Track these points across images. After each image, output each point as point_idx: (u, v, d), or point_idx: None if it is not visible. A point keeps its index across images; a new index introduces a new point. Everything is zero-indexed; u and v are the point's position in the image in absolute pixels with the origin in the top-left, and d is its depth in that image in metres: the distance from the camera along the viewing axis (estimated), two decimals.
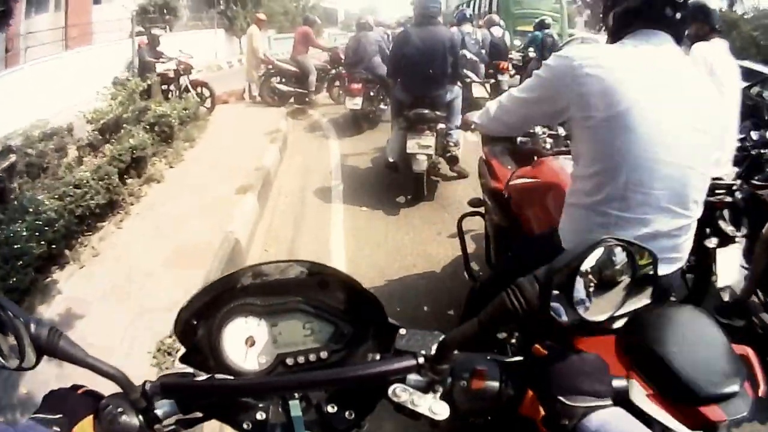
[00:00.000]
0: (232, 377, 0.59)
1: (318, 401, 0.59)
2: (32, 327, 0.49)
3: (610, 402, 0.48)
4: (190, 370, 0.60)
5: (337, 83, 7.45)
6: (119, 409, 0.52)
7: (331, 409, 0.58)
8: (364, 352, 0.62)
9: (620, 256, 0.48)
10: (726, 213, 1.98)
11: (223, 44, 15.37)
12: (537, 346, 0.53)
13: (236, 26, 15.65)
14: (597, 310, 0.48)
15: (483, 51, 6.15)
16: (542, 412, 0.48)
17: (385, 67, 4.76)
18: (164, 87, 6.72)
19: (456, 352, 0.52)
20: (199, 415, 0.57)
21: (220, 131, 5.82)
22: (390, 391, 0.52)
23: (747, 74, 3.69)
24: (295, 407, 0.57)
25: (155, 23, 15.70)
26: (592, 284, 0.47)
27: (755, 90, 4.84)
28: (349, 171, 4.64)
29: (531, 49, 7.54)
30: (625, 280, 0.48)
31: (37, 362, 0.50)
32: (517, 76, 7.29)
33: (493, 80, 5.95)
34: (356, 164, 4.83)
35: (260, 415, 0.58)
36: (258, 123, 5.92)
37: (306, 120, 6.90)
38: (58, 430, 0.49)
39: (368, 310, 0.61)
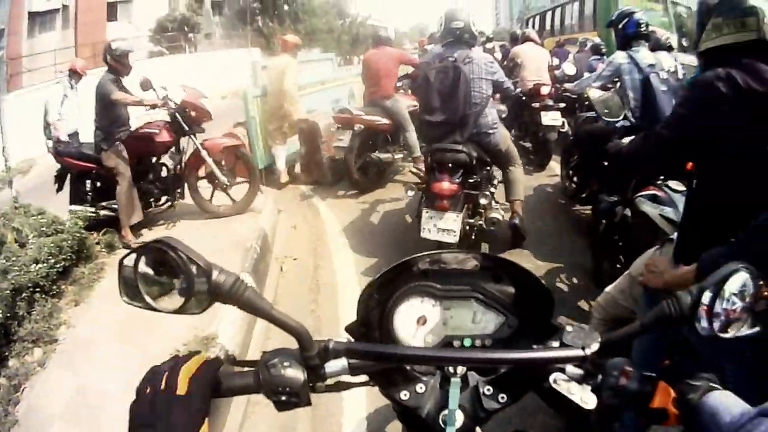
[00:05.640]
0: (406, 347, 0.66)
1: (476, 383, 0.63)
2: (214, 274, 0.50)
3: (720, 388, 0.55)
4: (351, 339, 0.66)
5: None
6: (286, 363, 0.54)
7: (487, 391, 0.62)
8: (524, 345, 0.65)
9: (750, 286, 0.54)
10: None
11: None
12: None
13: (273, 45, 14.43)
14: (727, 329, 0.54)
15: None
16: (673, 395, 0.55)
17: (502, 131, 3.12)
18: (154, 159, 3.62)
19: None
20: (360, 379, 0.62)
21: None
22: (552, 378, 0.56)
23: None
24: (455, 384, 0.60)
25: (175, 42, 14.89)
26: (729, 306, 0.53)
27: None
28: None
29: None
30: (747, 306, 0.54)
31: (207, 307, 0.51)
32: None
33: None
34: None
35: (420, 388, 0.63)
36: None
37: None
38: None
39: (537, 304, 0.67)
